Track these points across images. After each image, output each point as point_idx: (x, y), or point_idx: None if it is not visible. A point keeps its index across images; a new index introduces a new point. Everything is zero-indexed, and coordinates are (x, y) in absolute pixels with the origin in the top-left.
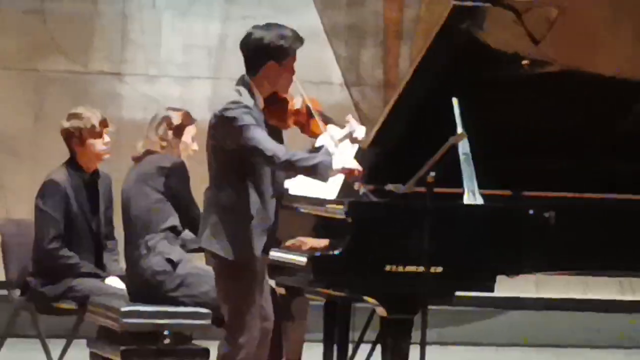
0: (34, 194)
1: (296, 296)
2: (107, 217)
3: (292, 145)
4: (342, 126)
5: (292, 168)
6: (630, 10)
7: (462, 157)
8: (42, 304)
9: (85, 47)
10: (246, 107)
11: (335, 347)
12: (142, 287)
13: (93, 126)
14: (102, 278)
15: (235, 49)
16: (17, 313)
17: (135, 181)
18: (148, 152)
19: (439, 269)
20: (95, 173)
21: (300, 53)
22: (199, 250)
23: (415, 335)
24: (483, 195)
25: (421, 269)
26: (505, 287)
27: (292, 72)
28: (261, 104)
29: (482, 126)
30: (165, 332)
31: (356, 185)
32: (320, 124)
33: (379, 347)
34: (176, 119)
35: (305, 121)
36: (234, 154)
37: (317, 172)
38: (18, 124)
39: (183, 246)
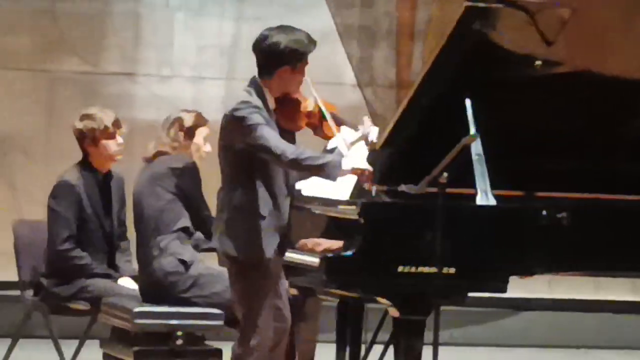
0: (46, 194)
1: (309, 297)
2: (119, 218)
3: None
4: (355, 127)
5: (301, 166)
6: None
7: (474, 158)
8: (55, 304)
9: (97, 47)
10: (256, 107)
11: (347, 348)
12: (155, 287)
13: (106, 127)
14: (115, 279)
15: (248, 49)
16: (29, 313)
17: (146, 182)
18: (159, 153)
19: (452, 270)
20: (108, 174)
21: (312, 54)
22: (212, 249)
23: (428, 336)
24: (495, 196)
25: (434, 269)
26: (518, 287)
27: (303, 74)
28: (272, 104)
29: (494, 127)
30: (178, 333)
31: (366, 186)
32: (333, 126)
33: (391, 348)
34: (188, 121)
35: (318, 123)
36: (244, 153)
37: (326, 171)
38: (30, 125)
39: (196, 246)
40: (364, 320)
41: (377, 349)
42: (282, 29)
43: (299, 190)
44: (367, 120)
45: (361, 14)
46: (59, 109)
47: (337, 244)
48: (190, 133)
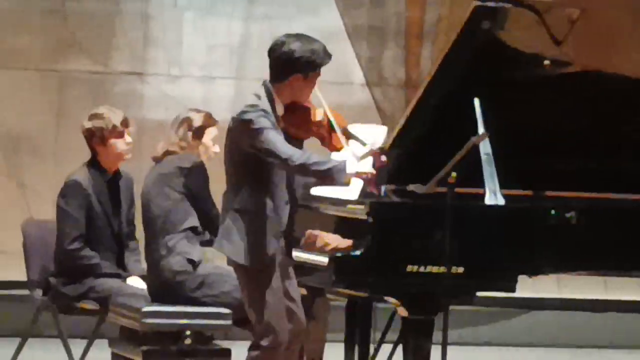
0: (55, 194)
1: (317, 296)
2: (128, 217)
3: None
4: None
5: (308, 171)
6: None
7: (483, 157)
8: (64, 304)
9: (106, 46)
10: (263, 110)
11: (356, 347)
12: (163, 287)
13: (115, 126)
14: (124, 278)
15: (258, 49)
16: (38, 313)
17: (155, 181)
18: (168, 153)
19: (460, 269)
20: (117, 173)
21: None
22: None
23: (437, 335)
24: (504, 196)
25: (442, 269)
26: (527, 287)
27: (314, 85)
28: (281, 110)
29: (502, 126)
30: (187, 332)
31: (368, 190)
32: (342, 138)
33: (400, 348)
34: (197, 121)
35: (326, 134)
36: (250, 156)
37: (332, 175)
38: (39, 124)
39: (209, 242)
40: (372, 320)
41: (386, 348)
42: (300, 37)
43: (307, 195)
44: (376, 142)
45: (370, 14)
46: (68, 109)
47: (345, 243)
48: (199, 133)
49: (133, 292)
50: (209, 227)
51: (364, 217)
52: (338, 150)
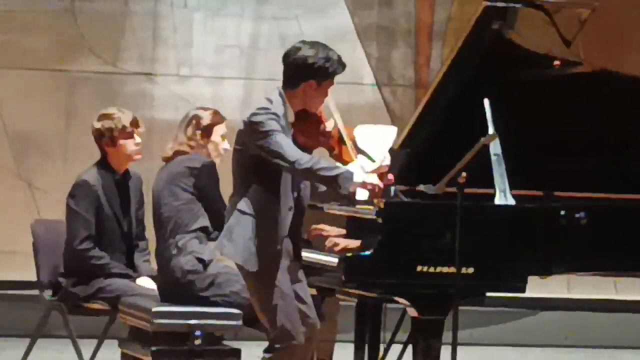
0: (65, 194)
1: (327, 296)
2: (138, 218)
3: None
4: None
5: (314, 175)
6: None
7: (493, 158)
8: (74, 304)
9: (116, 47)
10: (274, 114)
11: (366, 348)
12: (173, 287)
13: (124, 126)
14: (133, 278)
15: (267, 49)
16: (48, 313)
17: (165, 181)
18: (177, 153)
19: (470, 270)
20: (126, 173)
21: None
22: None
23: (447, 335)
24: (514, 196)
25: (452, 269)
26: (537, 287)
27: (326, 94)
28: (291, 117)
29: (512, 126)
30: (196, 333)
31: (375, 202)
32: (352, 152)
33: (410, 348)
34: (204, 119)
35: (336, 145)
36: (257, 159)
37: (338, 183)
38: (49, 125)
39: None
40: (382, 320)
41: (396, 348)
42: (315, 44)
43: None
44: (387, 156)
45: (379, 14)
46: (78, 109)
47: (355, 243)
48: (207, 131)
49: (143, 292)
50: (219, 227)
51: (374, 217)
52: (346, 163)
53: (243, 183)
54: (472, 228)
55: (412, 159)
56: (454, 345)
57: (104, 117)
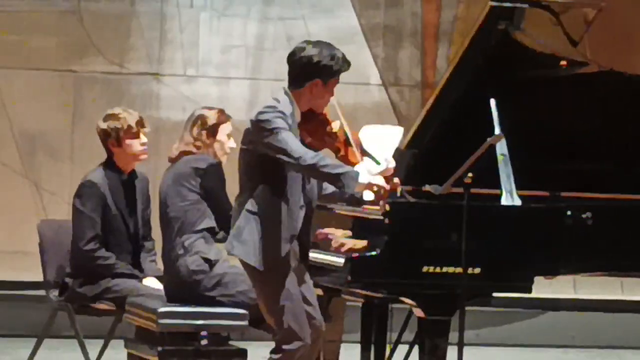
0: (71, 194)
1: (333, 297)
2: (144, 218)
3: None
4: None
5: (318, 172)
6: None
7: (499, 158)
8: (80, 304)
9: (122, 47)
10: (281, 112)
11: (372, 348)
12: (179, 287)
13: (130, 126)
14: (140, 279)
15: (274, 50)
16: (55, 313)
17: (171, 182)
18: (183, 153)
19: (477, 270)
20: (133, 173)
21: None
22: None
23: (453, 336)
24: (520, 196)
25: (459, 270)
26: (543, 288)
27: (332, 93)
28: (298, 116)
29: (519, 127)
30: (203, 333)
31: (381, 204)
32: (357, 154)
33: (416, 348)
34: (210, 119)
35: (341, 147)
36: (264, 158)
37: (342, 181)
38: (55, 125)
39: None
40: (388, 320)
41: (402, 349)
42: (320, 43)
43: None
44: (391, 159)
45: (386, 14)
46: (85, 109)
47: (361, 243)
48: (213, 131)
49: (149, 292)
50: (225, 227)
51: (380, 217)
52: (352, 165)
53: (250, 183)
54: (479, 228)
55: (418, 159)
56: (460, 345)
57: (109, 117)
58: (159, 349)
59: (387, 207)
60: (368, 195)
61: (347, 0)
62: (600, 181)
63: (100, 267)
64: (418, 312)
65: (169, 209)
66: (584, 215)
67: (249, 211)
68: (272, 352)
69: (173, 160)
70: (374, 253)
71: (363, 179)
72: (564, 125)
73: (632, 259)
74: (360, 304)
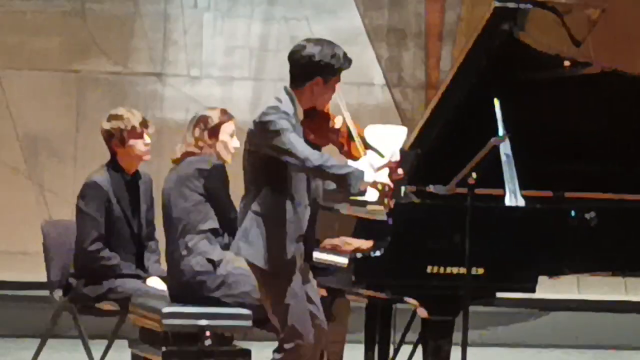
0: (75, 194)
1: (337, 297)
2: (148, 218)
3: None
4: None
5: (324, 174)
6: None
7: (503, 158)
8: (84, 304)
9: (126, 48)
10: (284, 112)
11: (376, 348)
12: (183, 287)
13: (133, 127)
14: (143, 279)
15: (277, 50)
16: (58, 314)
17: (175, 183)
18: (186, 154)
19: (480, 270)
20: (136, 174)
21: None
22: None
23: (457, 336)
24: (524, 197)
25: (462, 270)
26: (547, 288)
27: (334, 90)
28: (301, 115)
29: (522, 127)
30: (207, 333)
31: (385, 202)
32: (360, 148)
33: (420, 349)
34: (211, 119)
35: (345, 142)
36: (269, 159)
37: (348, 181)
38: (59, 125)
39: (228, 245)
40: (392, 321)
41: (406, 349)
42: (320, 41)
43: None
44: (396, 151)
45: (390, 15)
46: (88, 110)
47: (366, 244)
48: (214, 131)
49: (153, 293)
50: (228, 229)
51: (384, 217)
52: (356, 159)
53: (255, 184)
54: (482, 229)
55: (422, 160)
56: (464, 345)
57: (113, 117)
58: (163, 349)
59: (392, 205)
60: (371, 195)
61: (351, 0)
62: (603, 181)
63: (104, 268)
64: (422, 313)
65: (172, 210)
66: (587, 216)
67: (255, 212)
68: (274, 351)
69: (176, 162)
70: (378, 253)
71: (368, 177)
72: (567, 126)
73: (636, 260)
74: (364, 304)
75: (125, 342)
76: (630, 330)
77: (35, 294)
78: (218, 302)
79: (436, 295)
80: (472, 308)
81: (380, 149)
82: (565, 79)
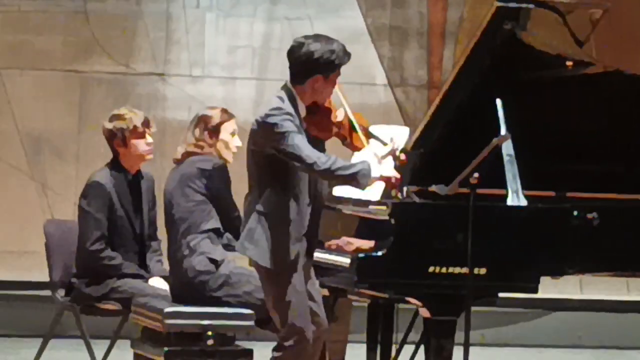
0: (77, 194)
1: (340, 297)
2: (150, 218)
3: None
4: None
5: (333, 176)
6: None
7: (505, 158)
8: (86, 304)
9: (128, 47)
10: (288, 113)
11: (378, 348)
12: (185, 287)
13: (135, 127)
14: (146, 279)
15: (280, 50)
16: (61, 313)
17: (177, 183)
18: (187, 154)
19: (483, 270)
20: (138, 174)
21: None
22: None
23: (459, 336)
24: (526, 196)
25: (465, 270)
26: (549, 288)
27: (334, 85)
28: (303, 111)
29: (525, 127)
30: (209, 333)
31: (393, 193)
32: (363, 138)
33: (422, 349)
34: (211, 118)
35: (347, 134)
36: (273, 159)
37: (357, 180)
38: (62, 125)
39: (227, 246)
40: (394, 321)
41: (408, 349)
42: (319, 37)
43: (330, 192)
44: (395, 138)
45: (392, 15)
46: (91, 110)
47: (368, 244)
48: (215, 131)
49: (155, 292)
50: (229, 229)
51: (386, 217)
52: (359, 149)
53: (260, 183)
54: (485, 229)
55: (424, 160)
56: (466, 345)
57: (115, 117)
58: (165, 349)
59: (400, 197)
60: (374, 194)
61: (353, 0)
62: (606, 181)
63: (106, 268)
64: (424, 313)
65: (174, 210)
66: (590, 216)
67: (259, 212)
68: (274, 349)
69: (177, 162)
70: (380, 253)
71: (375, 172)
72: (570, 126)
73: (638, 259)
74: (366, 304)
75: (127, 342)
76: (632, 330)
77: (38, 294)
78: (220, 302)
79: (438, 295)
80: (474, 308)
81: (382, 137)
82: (567, 78)
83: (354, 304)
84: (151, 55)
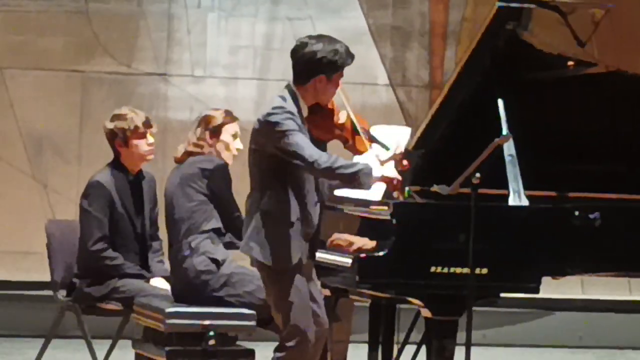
0: (78, 194)
1: (341, 297)
2: (151, 218)
3: None
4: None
5: (334, 175)
6: None
7: (507, 159)
8: (88, 304)
9: (130, 47)
10: (290, 112)
11: (380, 348)
12: (187, 287)
13: (137, 127)
14: (147, 279)
15: (282, 50)
16: (62, 313)
17: (178, 183)
18: (188, 154)
19: (484, 271)
20: (140, 174)
21: None
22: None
23: (461, 336)
24: (527, 197)
25: (466, 270)
26: (551, 288)
27: (337, 86)
28: (305, 111)
29: (526, 127)
30: (210, 333)
31: (395, 194)
32: (365, 141)
33: (424, 349)
34: (214, 120)
35: (349, 136)
36: (275, 159)
37: (358, 179)
38: (63, 125)
39: (229, 244)
40: (396, 321)
41: (410, 349)
42: (322, 38)
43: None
44: (400, 142)
45: (394, 15)
46: (92, 110)
47: (369, 244)
48: (216, 132)
49: (156, 292)
50: (230, 229)
51: (388, 217)
52: (361, 153)
53: (261, 182)
54: (486, 229)
55: (426, 160)
56: (468, 345)
57: (116, 117)
58: (167, 349)
59: (401, 198)
60: (376, 194)
61: (355, 0)
62: (607, 181)
63: (108, 268)
64: (426, 313)
65: (175, 210)
66: (591, 216)
67: (262, 211)
68: (276, 350)
69: (178, 161)
70: (381, 253)
71: (377, 172)
72: (571, 126)
73: (639, 260)
74: (367, 305)
75: (128, 342)
76: (634, 330)
77: (39, 294)
78: (221, 302)
79: (440, 295)
80: (475, 308)
81: (385, 142)
82: (569, 78)
83: (356, 304)
84: (153, 55)
